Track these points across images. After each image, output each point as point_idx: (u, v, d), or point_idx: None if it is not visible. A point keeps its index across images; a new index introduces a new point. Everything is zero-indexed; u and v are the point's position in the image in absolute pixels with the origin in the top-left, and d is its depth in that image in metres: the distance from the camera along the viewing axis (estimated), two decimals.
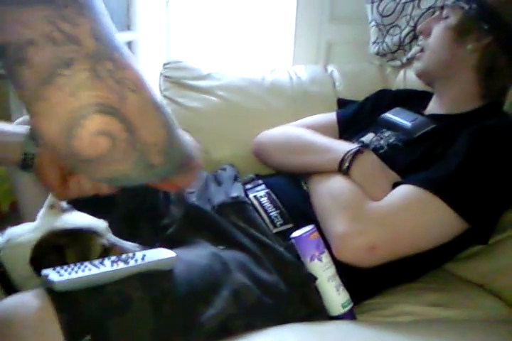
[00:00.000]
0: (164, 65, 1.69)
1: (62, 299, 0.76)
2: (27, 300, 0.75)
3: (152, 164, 0.60)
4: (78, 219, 0.92)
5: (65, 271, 0.76)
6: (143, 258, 0.83)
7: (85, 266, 0.78)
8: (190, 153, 0.71)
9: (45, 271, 0.76)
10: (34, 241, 0.85)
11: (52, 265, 0.82)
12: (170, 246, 1.00)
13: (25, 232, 0.88)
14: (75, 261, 0.84)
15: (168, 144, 0.62)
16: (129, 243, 0.96)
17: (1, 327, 0.73)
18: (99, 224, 0.93)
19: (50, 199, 0.92)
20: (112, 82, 0.50)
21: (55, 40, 0.47)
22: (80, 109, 0.48)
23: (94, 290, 0.78)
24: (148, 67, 2.36)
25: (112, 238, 0.94)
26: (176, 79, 1.64)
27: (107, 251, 0.91)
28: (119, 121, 0.51)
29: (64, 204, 0.93)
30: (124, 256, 0.83)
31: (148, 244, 1.01)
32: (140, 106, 0.54)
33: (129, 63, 0.53)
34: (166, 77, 1.65)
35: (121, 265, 0.81)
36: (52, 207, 0.92)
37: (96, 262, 0.80)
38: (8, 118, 1.44)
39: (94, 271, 0.78)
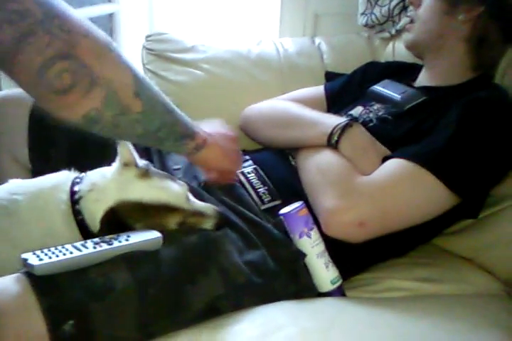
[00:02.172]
0: (147, 37, 1.64)
1: (42, 284, 0.73)
2: (6, 286, 0.73)
3: (128, 106, 0.72)
4: (157, 189, 0.89)
5: (45, 254, 0.74)
6: (127, 239, 0.81)
7: (67, 249, 0.76)
8: (185, 121, 0.87)
9: (24, 255, 0.74)
10: (111, 202, 0.85)
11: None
12: None
13: (106, 187, 0.87)
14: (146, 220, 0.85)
15: (140, 88, 0.74)
16: (207, 205, 0.95)
17: None
18: (180, 193, 0.91)
19: (123, 156, 0.90)
20: (63, 34, 0.64)
21: (11, 20, 0.62)
22: (44, 61, 0.64)
23: (77, 273, 0.76)
24: (131, 40, 2.30)
25: (191, 205, 0.92)
26: (158, 52, 1.59)
27: (182, 225, 0.90)
28: (76, 62, 0.66)
29: (140, 161, 0.91)
30: (107, 237, 0.80)
31: None
32: (93, 47, 0.68)
33: (70, 14, 0.67)
34: (148, 49, 1.60)
35: (104, 246, 0.78)
36: (126, 164, 0.89)
37: (78, 244, 0.78)
38: None
39: (76, 253, 0.75)
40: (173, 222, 0.90)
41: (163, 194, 0.89)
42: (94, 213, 0.85)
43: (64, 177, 0.92)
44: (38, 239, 0.83)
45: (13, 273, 0.76)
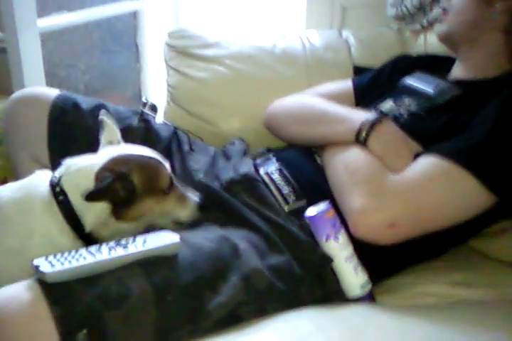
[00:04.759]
0: (169, 33, 1.61)
1: (55, 291, 0.71)
2: (17, 294, 0.71)
3: None
4: (144, 150, 0.93)
5: (58, 260, 0.71)
6: (144, 244, 0.78)
7: (80, 255, 0.73)
8: None
9: (36, 261, 0.71)
10: (96, 165, 0.86)
11: (118, 193, 0.84)
12: (176, 226, 0.95)
13: (90, 159, 0.89)
14: (142, 186, 0.85)
15: None
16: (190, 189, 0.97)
17: None
18: (164, 160, 0.94)
19: (106, 135, 0.95)
20: None
21: None
22: None
23: (90, 280, 0.73)
24: (155, 38, 2.28)
25: (174, 178, 0.94)
26: (180, 49, 1.56)
27: (172, 186, 0.91)
28: None
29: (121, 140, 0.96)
30: (123, 241, 0.77)
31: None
32: None
33: None
34: (170, 46, 1.58)
35: (119, 251, 0.75)
36: (110, 142, 0.94)
37: (92, 249, 0.75)
38: (9, 91, 1.41)
39: (90, 259, 0.72)
40: (164, 181, 0.90)
41: (150, 152, 0.93)
42: (79, 183, 0.85)
43: (43, 172, 0.94)
44: (18, 234, 0.85)
45: None
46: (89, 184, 0.84)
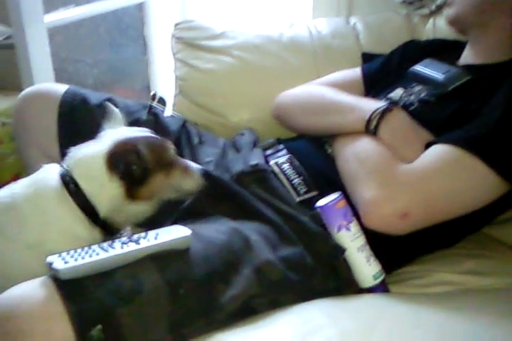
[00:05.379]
0: (176, 25, 1.60)
1: (69, 288, 0.71)
2: (31, 291, 0.71)
3: None
4: (141, 132, 0.95)
5: (71, 256, 0.71)
6: (156, 238, 0.78)
7: (93, 251, 0.73)
8: None
9: (49, 259, 0.72)
10: (103, 150, 0.88)
11: (132, 165, 0.87)
12: (186, 219, 0.95)
13: (91, 147, 0.91)
14: (153, 162, 0.88)
15: None
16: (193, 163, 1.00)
17: (3, 322, 0.69)
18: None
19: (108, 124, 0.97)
20: None
21: None
22: None
23: (104, 275, 0.73)
24: (162, 31, 2.27)
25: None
26: (188, 40, 1.55)
27: (176, 161, 0.94)
28: None
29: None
30: (135, 236, 0.77)
31: (163, 218, 0.96)
32: None
33: None
34: (177, 38, 1.56)
35: (132, 246, 0.75)
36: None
37: (105, 245, 0.75)
38: (19, 87, 1.43)
39: (103, 255, 0.73)
40: (170, 155, 0.93)
41: (147, 133, 0.95)
42: (90, 167, 0.87)
43: (50, 165, 0.95)
44: (35, 229, 0.87)
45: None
46: (99, 169, 0.86)
